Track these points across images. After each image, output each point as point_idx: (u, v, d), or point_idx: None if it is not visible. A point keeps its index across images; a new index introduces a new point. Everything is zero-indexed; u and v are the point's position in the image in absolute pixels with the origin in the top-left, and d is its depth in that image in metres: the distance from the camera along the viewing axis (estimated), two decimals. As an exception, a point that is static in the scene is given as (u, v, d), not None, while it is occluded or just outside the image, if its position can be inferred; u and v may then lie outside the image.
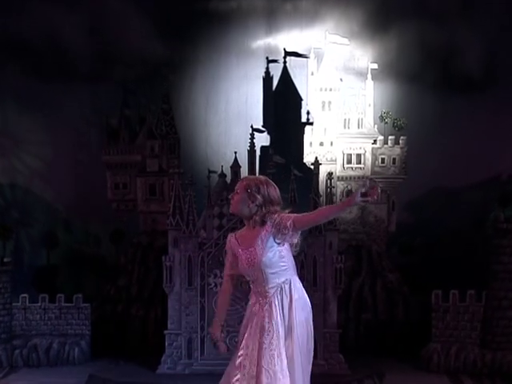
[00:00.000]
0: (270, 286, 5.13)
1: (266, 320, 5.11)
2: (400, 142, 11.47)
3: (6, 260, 10.19)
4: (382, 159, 11.51)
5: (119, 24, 11.28)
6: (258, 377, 5.06)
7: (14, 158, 11.65)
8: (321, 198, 9.80)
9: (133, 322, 10.94)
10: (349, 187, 11.48)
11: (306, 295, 5.31)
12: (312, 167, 10.26)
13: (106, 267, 11.53)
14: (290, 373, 5.16)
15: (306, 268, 9.57)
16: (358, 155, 11.50)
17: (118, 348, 10.57)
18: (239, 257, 5.17)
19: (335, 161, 11.50)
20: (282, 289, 5.14)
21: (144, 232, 11.47)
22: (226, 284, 5.39)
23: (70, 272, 11.54)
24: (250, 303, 5.27)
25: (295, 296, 5.18)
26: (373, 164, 11.53)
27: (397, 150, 11.49)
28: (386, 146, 11.50)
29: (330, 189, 9.94)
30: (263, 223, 5.11)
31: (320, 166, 10.35)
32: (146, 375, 9.51)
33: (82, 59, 11.22)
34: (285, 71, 11.52)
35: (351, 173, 11.51)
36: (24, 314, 10.42)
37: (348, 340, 10.59)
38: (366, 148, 11.50)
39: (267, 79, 11.54)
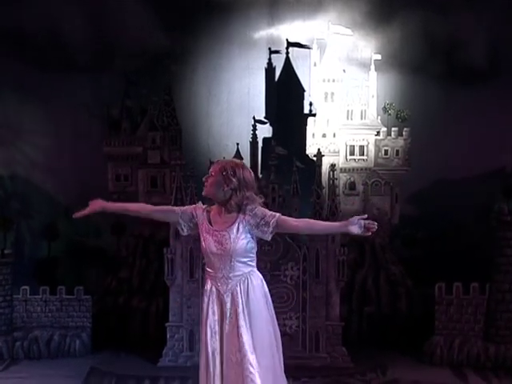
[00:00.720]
0: (236, 273, 5.10)
1: (228, 306, 5.09)
2: (403, 133, 11.40)
3: (6, 252, 10.16)
4: (385, 151, 11.45)
5: (120, 14, 11.21)
6: (221, 363, 5.09)
7: (14, 148, 11.59)
8: (323, 190, 9.74)
9: (134, 314, 10.90)
10: (351, 179, 11.43)
11: (266, 287, 5.26)
12: (314, 159, 10.19)
13: (107, 259, 11.49)
14: (258, 362, 5.07)
15: (308, 261, 9.52)
16: (361, 147, 11.44)
17: (120, 340, 10.53)
18: (204, 236, 5.10)
19: (338, 152, 11.44)
20: (246, 278, 5.12)
21: (145, 224, 11.41)
22: (160, 208, 5.30)
23: (71, 264, 11.50)
24: (205, 290, 5.19)
25: (257, 285, 5.15)
26: (376, 156, 11.46)
27: (400, 141, 11.43)
28: (389, 137, 11.43)
29: (333, 180, 9.88)
30: (239, 209, 5.07)
31: (323, 158, 10.28)
32: (148, 368, 9.47)
33: (82, 50, 11.15)
34: (287, 62, 11.45)
35: (354, 164, 11.45)
36: (25, 306, 10.39)
37: (351, 333, 10.55)
38: (369, 139, 11.43)
39: (269, 70, 11.47)
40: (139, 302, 10.95)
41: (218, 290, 5.12)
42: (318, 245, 9.57)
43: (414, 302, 10.96)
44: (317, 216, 9.41)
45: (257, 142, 10.53)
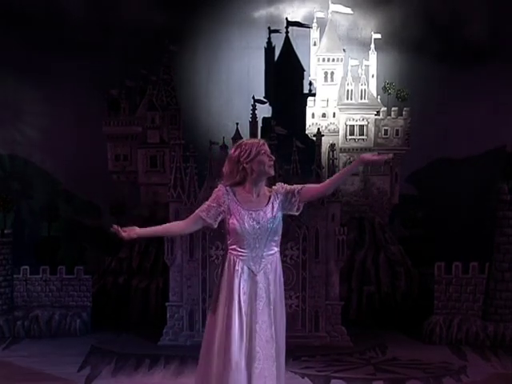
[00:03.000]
0: (269, 252, 5.14)
1: (260, 285, 5.10)
2: (403, 113, 11.38)
3: (6, 232, 10.18)
4: (385, 131, 11.43)
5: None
6: (249, 340, 5.06)
7: (14, 129, 11.58)
8: (323, 170, 9.74)
9: (134, 294, 10.92)
10: (351, 159, 11.40)
11: None
12: (314, 139, 10.18)
13: (107, 239, 11.48)
14: (275, 341, 5.15)
15: (308, 240, 9.53)
16: (361, 127, 11.41)
17: (120, 320, 10.57)
18: (237, 215, 5.08)
19: (338, 132, 11.42)
20: (275, 257, 5.18)
21: (145, 204, 11.41)
22: (191, 221, 5.16)
23: (71, 244, 11.53)
24: (230, 270, 5.12)
25: (280, 263, 5.24)
26: (376, 135, 11.44)
27: (400, 121, 11.40)
28: (389, 117, 11.41)
29: (333, 160, 9.87)
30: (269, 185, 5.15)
31: (322, 138, 10.26)
32: (148, 347, 9.51)
33: (81, 29, 11.12)
34: (287, 41, 11.41)
35: (354, 144, 11.43)
36: (25, 285, 10.43)
37: (350, 312, 10.59)
38: (368, 119, 11.41)
39: (269, 50, 11.44)
40: (139, 281, 10.97)
41: (250, 270, 5.12)
42: (318, 224, 9.58)
43: (413, 281, 10.99)
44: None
45: (256, 122, 10.50)
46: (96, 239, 11.50)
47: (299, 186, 5.16)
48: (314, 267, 9.56)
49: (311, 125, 11.35)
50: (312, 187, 5.19)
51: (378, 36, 11.28)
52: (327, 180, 5.34)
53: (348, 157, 11.42)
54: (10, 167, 11.68)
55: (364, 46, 11.35)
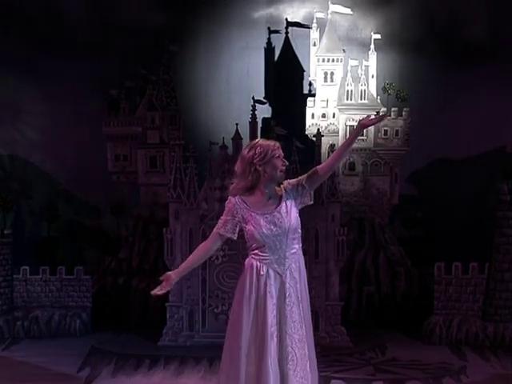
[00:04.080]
0: (291, 251, 5.11)
1: (287, 285, 5.07)
2: (403, 113, 11.38)
3: (6, 232, 10.17)
4: (385, 131, 11.43)
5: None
6: (280, 341, 5.03)
7: (14, 129, 11.58)
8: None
9: (134, 294, 10.92)
10: (351, 159, 11.41)
11: None
12: (314, 139, 10.18)
13: (107, 239, 11.50)
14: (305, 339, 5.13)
15: (308, 240, 9.52)
16: (361, 127, 11.38)
17: (120, 320, 10.57)
18: (253, 221, 5.05)
19: (337, 133, 11.42)
20: (298, 254, 5.15)
21: (145, 204, 11.42)
22: (211, 241, 5.16)
23: (71, 244, 11.53)
24: (255, 275, 5.08)
25: (303, 260, 5.22)
26: (375, 136, 11.44)
27: (400, 121, 11.40)
28: (388, 117, 11.40)
29: (333, 161, 9.84)
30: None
31: (322, 138, 10.27)
32: (148, 347, 9.51)
33: (81, 29, 11.13)
34: (287, 42, 11.41)
35: (354, 145, 11.22)
36: (25, 285, 10.43)
37: (350, 312, 10.60)
38: (368, 120, 11.37)
39: (269, 50, 11.44)
40: (139, 282, 10.97)
41: (275, 272, 5.09)
42: (318, 225, 9.58)
43: (413, 281, 10.99)
44: (316, 196, 9.42)
45: (256, 122, 10.48)
46: (96, 239, 11.51)
47: (305, 176, 5.15)
48: (313, 267, 9.55)
49: (311, 125, 11.36)
50: (316, 172, 5.15)
51: (378, 36, 11.28)
52: (330, 157, 5.32)
53: (348, 157, 11.42)
54: (10, 167, 11.68)
55: (364, 46, 11.35)
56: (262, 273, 5.09)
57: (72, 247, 11.53)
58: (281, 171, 5.14)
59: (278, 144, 5.21)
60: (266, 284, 5.07)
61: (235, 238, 5.18)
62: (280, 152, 5.17)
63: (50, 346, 9.63)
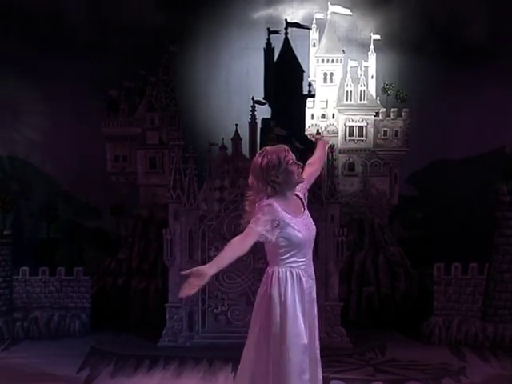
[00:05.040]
0: (312, 254, 5.16)
1: (309, 288, 5.10)
2: (402, 114, 11.37)
3: (5, 233, 10.17)
4: (385, 132, 11.42)
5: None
6: (314, 342, 5.09)
7: (13, 130, 11.58)
8: (322, 171, 9.72)
9: (134, 295, 10.91)
10: (351, 160, 11.41)
11: None
12: (313, 140, 10.16)
13: (107, 240, 11.50)
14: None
15: (307, 241, 9.51)
16: (360, 128, 11.41)
17: (119, 321, 10.57)
18: (295, 225, 4.95)
19: (337, 133, 11.41)
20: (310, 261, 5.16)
21: (144, 205, 11.41)
22: (251, 238, 4.72)
23: (71, 245, 11.53)
24: (296, 285, 4.98)
25: None
26: (375, 136, 11.43)
27: (399, 122, 11.40)
28: (388, 118, 11.40)
29: (332, 162, 9.86)
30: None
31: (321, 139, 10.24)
32: (147, 348, 9.50)
33: (81, 29, 11.13)
34: (286, 42, 11.41)
35: (353, 145, 11.43)
36: (24, 286, 10.42)
37: (350, 313, 10.59)
38: (368, 120, 11.40)
39: (268, 51, 11.44)
40: (139, 282, 10.97)
41: (308, 275, 5.07)
42: (317, 225, 9.51)
43: (412, 282, 10.98)
44: (315, 197, 9.41)
45: (256, 123, 10.48)
46: (95, 240, 11.51)
47: (303, 184, 5.15)
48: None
49: (310, 126, 11.35)
50: (307, 171, 5.25)
51: (378, 37, 11.27)
52: (314, 158, 5.54)
53: (347, 158, 11.42)
54: (10, 168, 11.68)
55: (363, 47, 11.35)
56: (303, 280, 5.03)
57: (71, 248, 11.53)
58: (298, 175, 5.03)
59: (286, 147, 5.07)
60: (294, 288, 5.00)
61: (274, 240, 4.90)
62: (291, 156, 5.02)
63: (49, 346, 9.62)
